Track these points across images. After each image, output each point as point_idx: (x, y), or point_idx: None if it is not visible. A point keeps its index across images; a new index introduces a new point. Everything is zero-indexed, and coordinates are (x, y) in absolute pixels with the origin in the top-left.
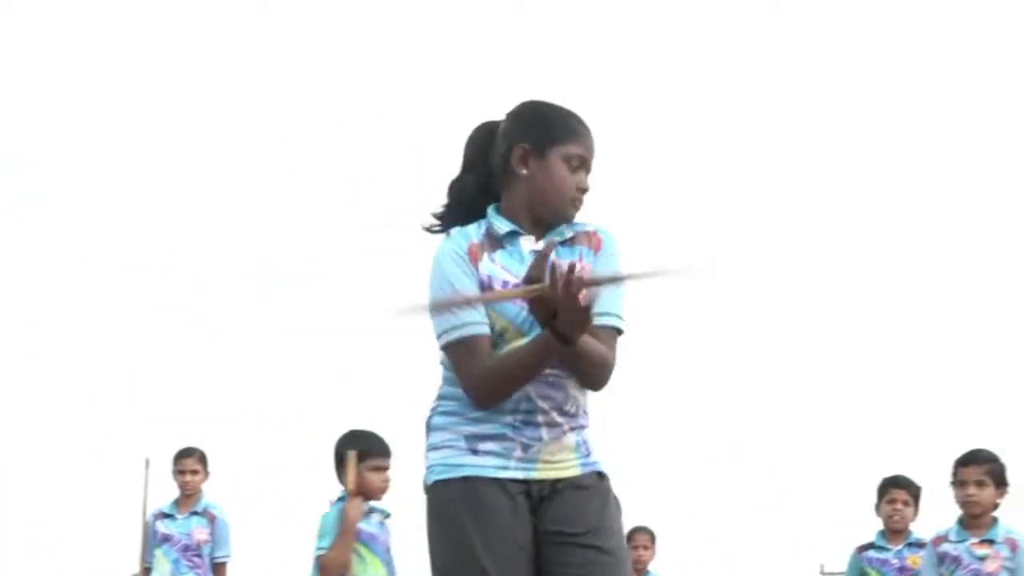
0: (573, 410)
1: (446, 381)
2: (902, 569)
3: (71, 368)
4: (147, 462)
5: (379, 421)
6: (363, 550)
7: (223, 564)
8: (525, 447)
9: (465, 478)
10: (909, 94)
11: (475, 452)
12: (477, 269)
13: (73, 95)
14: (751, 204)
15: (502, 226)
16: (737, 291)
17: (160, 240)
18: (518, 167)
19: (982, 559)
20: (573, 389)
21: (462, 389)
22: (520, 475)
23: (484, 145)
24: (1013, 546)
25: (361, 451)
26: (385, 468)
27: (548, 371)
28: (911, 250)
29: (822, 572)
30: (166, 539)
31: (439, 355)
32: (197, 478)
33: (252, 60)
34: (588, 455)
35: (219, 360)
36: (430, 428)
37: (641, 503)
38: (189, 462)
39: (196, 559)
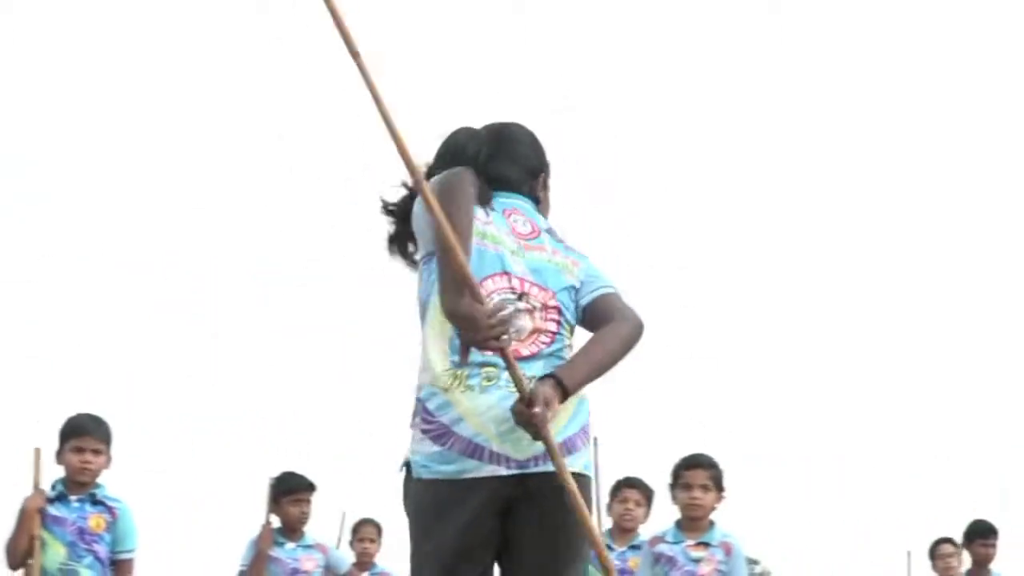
0: None
1: None
2: (623, 572)
3: (71, 368)
4: None
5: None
6: (46, 534)
7: None
8: None
9: None
10: (909, 94)
11: None
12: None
13: (73, 95)
14: (750, 203)
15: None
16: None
17: (160, 240)
18: (542, 192)
19: (697, 561)
20: None
21: None
22: None
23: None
24: (728, 549)
25: (61, 432)
26: (87, 449)
27: None
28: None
29: None
30: None
31: None
32: None
33: (252, 60)
34: None
35: (219, 360)
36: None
37: None
38: None
39: None
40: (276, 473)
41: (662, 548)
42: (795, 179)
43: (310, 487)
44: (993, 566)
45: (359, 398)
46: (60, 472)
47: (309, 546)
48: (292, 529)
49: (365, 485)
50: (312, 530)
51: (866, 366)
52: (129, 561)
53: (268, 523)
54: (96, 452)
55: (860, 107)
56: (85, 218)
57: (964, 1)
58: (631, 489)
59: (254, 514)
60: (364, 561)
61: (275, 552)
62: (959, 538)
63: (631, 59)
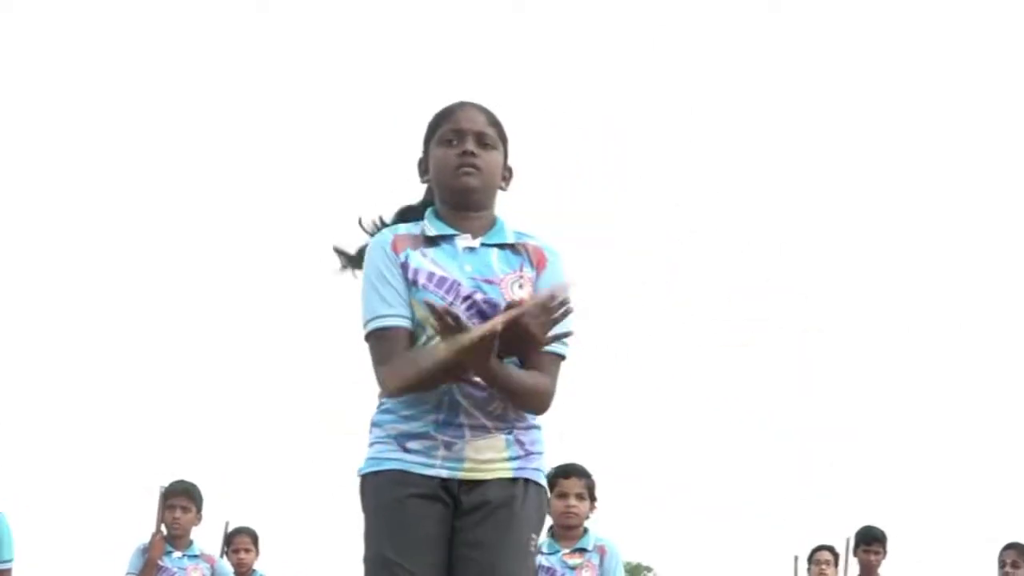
0: (499, 411)
1: None
2: None
3: (71, 367)
4: None
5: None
6: None
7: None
8: (448, 445)
9: (388, 471)
10: (909, 93)
11: (405, 450)
12: (399, 257)
13: (73, 95)
14: (748, 201)
15: (432, 228)
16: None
17: (159, 240)
18: (422, 177)
19: (574, 568)
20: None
21: (377, 379)
22: (445, 473)
23: None
24: (603, 552)
25: None
26: None
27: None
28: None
29: None
30: None
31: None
32: None
33: (252, 60)
34: (523, 459)
35: (220, 362)
36: (371, 425)
37: None
38: None
39: None
40: (166, 482)
41: (539, 560)
42: (794, 178)
43: (183, 492)
44: (882, 571)
45: (244, 408)
46: None
47: (196, 556)
48: (172, 536)
49: (247, 493)
50: (199, 539)
51: (761, 375)
52: (6, 571)
53: (159, 531)
54: None
55: (859, 106)
56: (85, 218)
57: (964, 1)
58: None
59: (136, 521)
60: (242, 572)
61: (162, 561)
62: (842, 543)
63: (631, 58)
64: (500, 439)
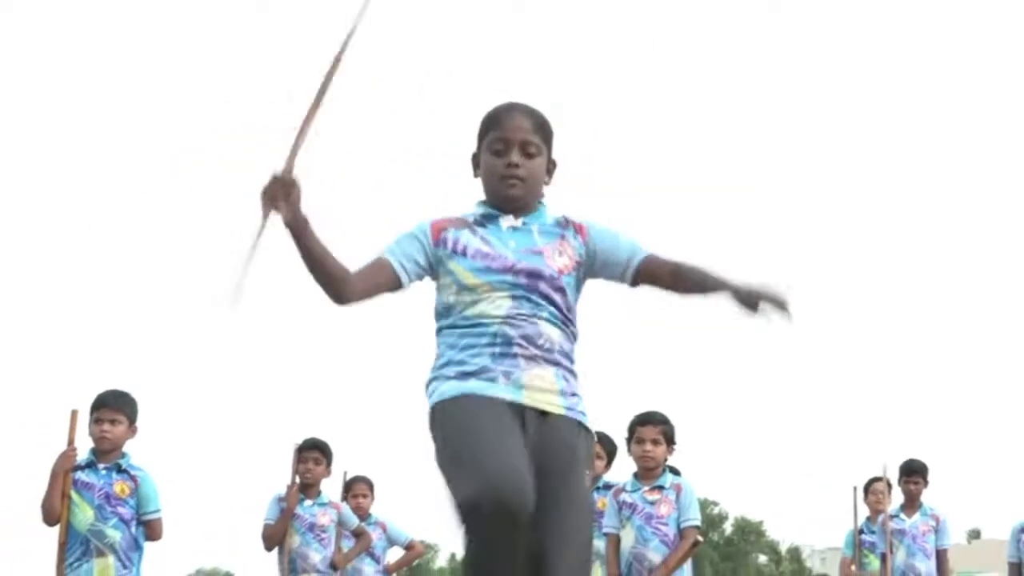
0: (547, 345)
1: (440, 338)
2: None
3: (70, 366)
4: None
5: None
6: (76, 496)
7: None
8: (507, 374)
9: (459, 396)
10: (908, 93)
11: (466, 381)
12: (437, 238)
13: (73, 95)
14: (748, 201)
15: (478, 210)
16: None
17: (158, 239)
18: (475, 173)
19: (653, 503)
20: (546, 327)
21: None
22: (509, 397)
23: None
24: (679, 489)
25: (93, 404)
26: (104, 420)
27: (519, 312)
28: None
29: None
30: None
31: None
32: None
33: (252, 60)
34: (571, 398)
35: (220, 354)
36: (429, 379)
37: None
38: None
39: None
40: (299, 439)
41: (624, 497)
42: (793, 177)
43: (315, 447)
44: (924, 500)
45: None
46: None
47: (325, 504)
48: (305, 486)
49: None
50: (326, 489)
51: (817, 322)
52: (156, 521)
53: (295, 483)
54: (113, 422)
55: (859, 105)
56: (85, 218)
57: (964, 1)
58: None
59: (269, 474)
60: (360, 516)
61: (297, 509)
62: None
63: (631, 58)
64: (550, 371)
